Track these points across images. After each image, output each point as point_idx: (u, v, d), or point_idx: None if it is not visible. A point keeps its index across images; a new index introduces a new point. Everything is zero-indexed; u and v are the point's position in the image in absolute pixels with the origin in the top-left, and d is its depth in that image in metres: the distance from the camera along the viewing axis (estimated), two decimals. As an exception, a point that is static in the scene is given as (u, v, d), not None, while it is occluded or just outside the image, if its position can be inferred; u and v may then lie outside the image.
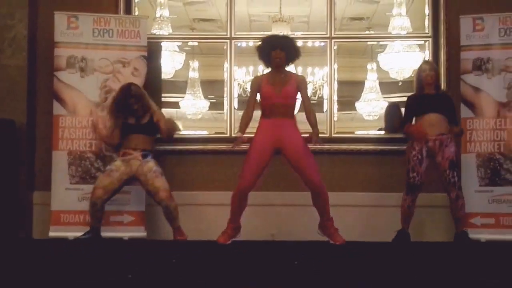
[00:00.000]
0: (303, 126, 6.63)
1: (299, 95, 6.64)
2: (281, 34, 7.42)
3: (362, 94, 11.29)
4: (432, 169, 6.75)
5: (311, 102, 10.33)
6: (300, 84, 6.62)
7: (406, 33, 9.17)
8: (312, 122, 6.55)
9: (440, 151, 6.66)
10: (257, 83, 6.62)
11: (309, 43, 8.65)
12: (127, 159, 6.75)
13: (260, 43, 6.68)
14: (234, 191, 6.48)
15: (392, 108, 8.64)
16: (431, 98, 6.74)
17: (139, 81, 7.23)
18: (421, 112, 6.75)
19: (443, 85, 7.42)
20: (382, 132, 8.58)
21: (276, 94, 6.47)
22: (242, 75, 10.59)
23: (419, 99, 6.81)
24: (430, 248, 6.67)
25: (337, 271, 5.29)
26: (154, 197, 6.77)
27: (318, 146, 6.61)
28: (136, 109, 6.80)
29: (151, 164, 6.76)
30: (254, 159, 6.46)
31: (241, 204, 6.50)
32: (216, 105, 10.95)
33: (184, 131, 9.25)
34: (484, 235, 6.94)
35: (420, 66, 7.06)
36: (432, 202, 7.19)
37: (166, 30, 9.53)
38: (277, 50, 6.52)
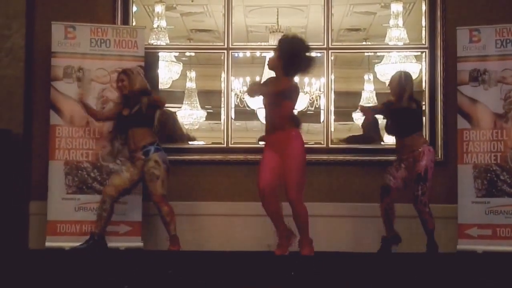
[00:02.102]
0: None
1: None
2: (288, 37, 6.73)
3: (359, 104, 11.29)
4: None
5: (308, 112, 10.40)
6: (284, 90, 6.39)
7: (403, 44, 9.19)
8: None
9: (414, 165, 6.72)
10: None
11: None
12: (133, 159, 6.78)
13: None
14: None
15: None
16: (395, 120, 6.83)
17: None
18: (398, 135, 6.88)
19: (439, 96, 7.45)
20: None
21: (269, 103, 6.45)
22: (239, 86, 10.57)
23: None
24: (416, 259, 6.65)
25: (334, 282, 5.28)
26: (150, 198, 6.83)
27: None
28: (124, 86, 6.80)
29: (150, 164, 6.73)
30: (264, 160, 6.42)
31: (271, 207, 6.43)
32: (213, 115, 10.93)
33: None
34: (481, 246, 6.94)
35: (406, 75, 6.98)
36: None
37: (163, 41, 9.53)
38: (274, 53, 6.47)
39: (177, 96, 11.56)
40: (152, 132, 6.84)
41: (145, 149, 6.75)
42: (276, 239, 6.54)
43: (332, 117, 7.80)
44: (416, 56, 9.34)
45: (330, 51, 7.85)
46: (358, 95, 11.29)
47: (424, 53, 7.83)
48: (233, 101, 8.26)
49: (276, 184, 6.36)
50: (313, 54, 6.63)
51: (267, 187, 6.34)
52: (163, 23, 9.71)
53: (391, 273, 5.68)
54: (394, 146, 6.97)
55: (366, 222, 7.43)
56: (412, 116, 6.80)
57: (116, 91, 7.04)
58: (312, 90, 10.71)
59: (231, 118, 7.89)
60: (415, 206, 6.69)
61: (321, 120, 7.96)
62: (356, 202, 7.51)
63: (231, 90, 8.04)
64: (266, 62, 6.39)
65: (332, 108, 7.81)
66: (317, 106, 10.53)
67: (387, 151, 7.69)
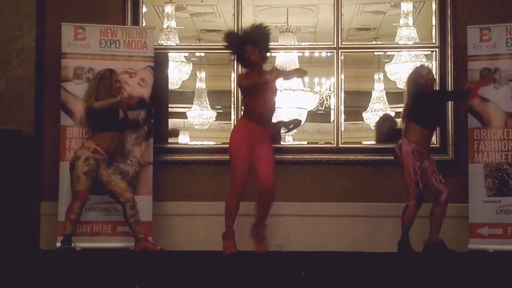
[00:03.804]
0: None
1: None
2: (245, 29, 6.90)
3: (369, 104, 11.28)
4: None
5: (318, 112, 10.39)
6: (278, 75, 6.51)
7: (413, 44, 9.17)
8: None
9: (431, 163, 6.71)
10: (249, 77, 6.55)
11: (316, 54, 8.68)
12: (97, 157, 6.68)
13: (226, 45, 6.63)
14: (231, 198, 6.53)
15: (386, 120, 8.75)
16: (438, 113, 6.72)
17: (146, 91, 7.25)
18: (433, 126, 6.75)
19: (450, 95, 7.42)
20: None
21: (267, 92, 6.45)
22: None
23: (437, 108, 6.78)
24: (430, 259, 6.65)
25: (344, 282, 5.28)
26: (119, 198, 6.74)
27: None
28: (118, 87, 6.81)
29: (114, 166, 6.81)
30: (241, 161, 6.50)
31: (237, 210, 6.55)
32: (223, 115, 10.95)
33: (191, 142, 9.26)
34: (491, 246, 6.91)
35: (419, 71, 6.95)
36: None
37: (173, 41, 9.55)
38: (247, 48, 6.46)
39: (187, 96, 11.59)
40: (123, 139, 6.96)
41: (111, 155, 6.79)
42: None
43: (342, 116, 7.78)
44: (426, 55, 9.32)
45: (340, 50, 7.84)
46: (368, 94, 11.28)
47: (434, 52, 7.80)
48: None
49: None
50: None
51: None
52: (173, 24, 9.72)
53: (405, 272, 5.67)
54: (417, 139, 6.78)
55: (379, 222, 7.42)
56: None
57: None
58: (322, 90, 10.72)
59: (241, 118, 7.87)
60: (443, 194, 6.64)
61: (331, 120, 7.95)
62: (367, 202, 7.49)
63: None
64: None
65: (342, 107, 7.79)
66: (327, 105, 10.53)
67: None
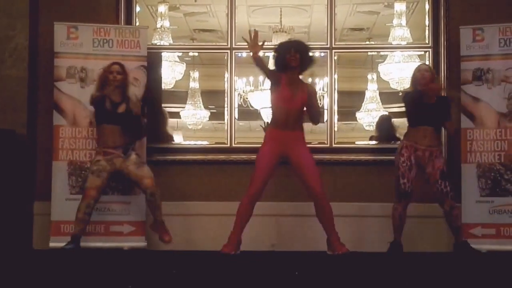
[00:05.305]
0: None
1: None
2: (296, 39, 7.34)
3: (363, 104, 11.30)
4: (423, 182, 6.74)
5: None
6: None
7: (407, 44, 9.18)
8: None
9: (430, 161, 6.65)
10: (279, 76, 6.61)
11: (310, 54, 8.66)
12: (109, 158, 6.74)
13: (276, 48, 6.74)
14: (242, 200, 6.49)
15: (385, 120, 8.76)
16: (429, 110, 6.69)
17: (139, 91, 7.24)
18: (416, 123, 6.74)
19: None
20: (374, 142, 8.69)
21: (292, 98, 6.50)
22: (243, 85, 10.60)
23: (418, 107, 6.77)
24: (429, 259, 6.65)
25: (337, 282, 5.28)
26: (140, 185, 6.78)
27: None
28: (118, 81, 6.79)
29: (132, 157, 6.77)
30: (263, 166, 6.49)
31: (248, 213, 6.51)
32: (217, 115, 10.95)
33: (185, 141, 9.26)
34: (485, 246, 6.92)
35: (418, 66, 7.03)
36: (424, 213, 7.20)
37: (166, 41, 9.54)
38: (291, 51, 6.56)
39: (181, 96, 11.59)
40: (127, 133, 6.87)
41: (124, 148, 6.76)
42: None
43: (336, 116, 7.79)
44: (419, 56, 9.34)
45: (333, 50, 7.85)
46: (361, 94, 11.30)
47: (427, 52, 7.82)
48: (236, 101, 8.25)
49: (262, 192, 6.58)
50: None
51: (257, 196, 6.51)
52: (166, 23, 9.72)
53: (399, 274, 5.68)
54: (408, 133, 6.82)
55: (370, 222, 7.43)
56: (441, 107, 6.77)
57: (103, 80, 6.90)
58: (316, 90, 10.72)
59: (235, 118, 7.89)
60: (446, 202, 6.62)
61: (325, 120, 7.96)
62: (360, 201, 7.51)
63: (235, 90, 8.03)
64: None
65: (335, 107, 7.80)
66: (320, 105, 10.53)
67: (391, 150, 7.68)
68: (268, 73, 6.71)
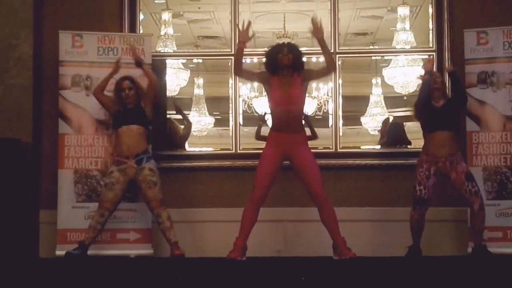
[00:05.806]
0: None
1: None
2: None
3: (367, 108, 11.30)
4: (439, 186, 6.72)
5: (316, 117, 10.40)
6: (304, 75, 6.59)
7: (411, 48, 9.18)
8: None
9: (453, 169, 6.60)
10: (267, 76, 6.59)
11: (314, 59, 8.64)
12: (122, 168, 6.72)
13: (268, 49, 6.72)
14: (246, 205, 6.48)
15: (397, 125, 8.74)
16: (438, 113, 6.68)
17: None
18: (430, 130, 6.71)
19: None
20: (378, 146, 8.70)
21: (286, 99, 6.46)
22: (247, 92, 10.61)
23: (427, 112, 6.76)
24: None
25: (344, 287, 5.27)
26: (147, 205, 6.76)
27: None
28: (131, 98, 6.79)
29: (145, 172, 6.69)
30: (265, 171, 6.47)
31: (253, 218, 6.49)
32: (221, 122, 10.96)
33: (190, 148, 9.27)
34: (491, 249, 6.88)
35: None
36: (440, 217, 7.18)
37: (170, 48, 9.56)
38: (284, 51, 6.53)
39: (185, 103, 11.58)
40: (146, 137, 6.80)
41: (137, 158, 6.72)
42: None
43: (341, 121, 7.79)
44: (423, 59, 9.32)
45: (337, 55, 7.85)
46: (366, 99, 11.30)
47: (431, 56, 7.81)
48: (241, 107, 8.27)
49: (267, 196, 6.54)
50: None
51: (261, 200, 6.47)
52: (170, 31, 9.74)
53: (402, 276, 5.67)
54: (425, 143, 6.77)
55: (376, 226, 7.42)
56: (450, 108, 6.76)
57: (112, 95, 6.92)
58: (320, 95, 10.73)
59: (239, 124, 7.89)
60: (476, 202, 6.58)
61: (330, 125, 7.96)
62: (365, 206, 7.49)
63: (239, 96, 8.04)
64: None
65: (340, 112, 7.80)
66: (325, 110, 10.55)
67: (396, 154, 7.71)
68: (245, 68, 6.70)
